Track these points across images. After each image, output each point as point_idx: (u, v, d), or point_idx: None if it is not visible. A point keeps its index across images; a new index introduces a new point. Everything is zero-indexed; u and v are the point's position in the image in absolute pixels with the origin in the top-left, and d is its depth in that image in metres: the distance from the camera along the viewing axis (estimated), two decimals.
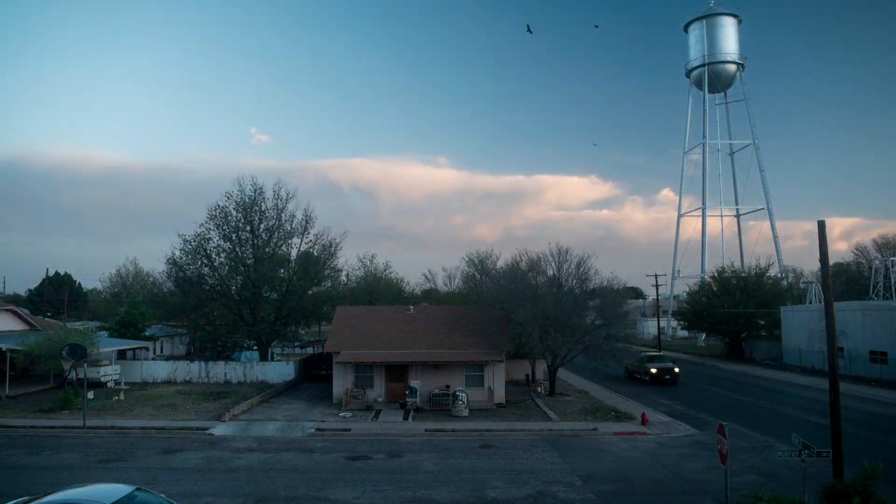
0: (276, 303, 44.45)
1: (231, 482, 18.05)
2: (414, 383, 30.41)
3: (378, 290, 65.47)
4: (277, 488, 17.44)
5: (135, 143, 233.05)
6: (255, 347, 45.95)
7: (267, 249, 43.05)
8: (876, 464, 11.45)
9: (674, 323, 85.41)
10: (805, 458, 14.01)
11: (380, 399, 31.50)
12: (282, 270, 44.38)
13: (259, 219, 43.42)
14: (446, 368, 31.57)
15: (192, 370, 40.20)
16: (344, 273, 57.31)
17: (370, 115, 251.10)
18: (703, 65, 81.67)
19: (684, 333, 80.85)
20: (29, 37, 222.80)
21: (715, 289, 58.74)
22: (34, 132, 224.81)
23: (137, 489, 12.56)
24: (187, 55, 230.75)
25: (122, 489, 12.40)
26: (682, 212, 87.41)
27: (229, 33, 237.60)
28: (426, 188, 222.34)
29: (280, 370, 40.27)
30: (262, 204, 43.60)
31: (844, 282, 77.97)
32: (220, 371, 40.07)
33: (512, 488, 17.53)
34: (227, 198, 43.21)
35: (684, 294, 78.29)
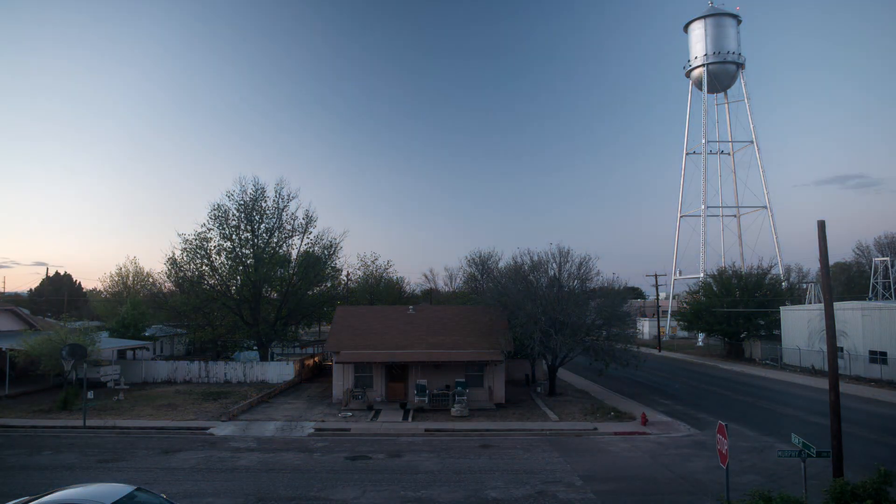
0: (277, 303, 44.46)
1: (231, 482, 18.06)
2: (421, 381, 30.47)
3: (378, 290, 65.41)
4: (277, 488, 17.45)
5: None
6: (254, 347, 45.95)
7: (268, 249, 43.03)
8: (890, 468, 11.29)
9: (674, 323, 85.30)
10: (805, 458, 14.02)
11: (380, 399, 31.52)
12: (282, 270, 44.36)
13: (260, 218, 43.40)
14: (446, 368, 31.61)
15: (192, 370, 40.21)
16: (344, 273, 57.36)
17: None
18: (703, 65, 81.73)
19: (684, 333, 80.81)
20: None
21: (715, 289, 58.67)
22: None
23: (137, 489, 12.56)
24: None
25: (122, 489, 12.40)
26: (683, 211, 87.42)
27: None
28: None
29: (280, 370, 40.25)
30: (264, 203, 43.61)
31: (845, 281, 78.08)
32: (220, 371, 40.06)
33: (512, 488, 17.53)
34: (229, 197, 43.24)
35: (684, 294, 78.17)
